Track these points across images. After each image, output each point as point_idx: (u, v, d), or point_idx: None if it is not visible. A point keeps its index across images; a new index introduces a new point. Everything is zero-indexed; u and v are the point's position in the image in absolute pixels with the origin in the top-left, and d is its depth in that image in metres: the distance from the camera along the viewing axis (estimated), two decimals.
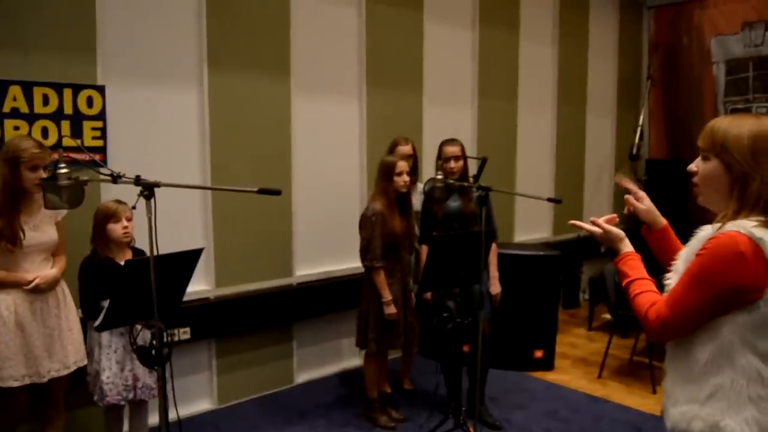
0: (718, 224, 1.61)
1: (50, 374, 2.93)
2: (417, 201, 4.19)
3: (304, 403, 4.30)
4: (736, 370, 1.57)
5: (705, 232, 1.67)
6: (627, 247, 1.87)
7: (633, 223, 2.02)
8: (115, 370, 3.09)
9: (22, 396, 2.96)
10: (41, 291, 2.91)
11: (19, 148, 2.82)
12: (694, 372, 1.64)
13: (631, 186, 1.96)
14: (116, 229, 3.11)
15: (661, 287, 1.75)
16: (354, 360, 4.89)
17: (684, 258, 1.71)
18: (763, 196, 1.56)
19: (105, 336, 3.07)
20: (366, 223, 3.74)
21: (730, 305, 1.55)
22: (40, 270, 2.93)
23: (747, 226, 1.54)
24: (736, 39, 6.55)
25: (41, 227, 2.95)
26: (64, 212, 3.04)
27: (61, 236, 3.06)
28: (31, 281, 2.87)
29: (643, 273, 1.79)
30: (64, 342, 2.98)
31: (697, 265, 1.59)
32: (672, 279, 1.72)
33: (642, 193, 1.95)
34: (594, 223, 1.93)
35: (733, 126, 1.61)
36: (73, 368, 3.02)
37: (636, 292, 1.75)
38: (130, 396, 3.13)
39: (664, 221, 1.94)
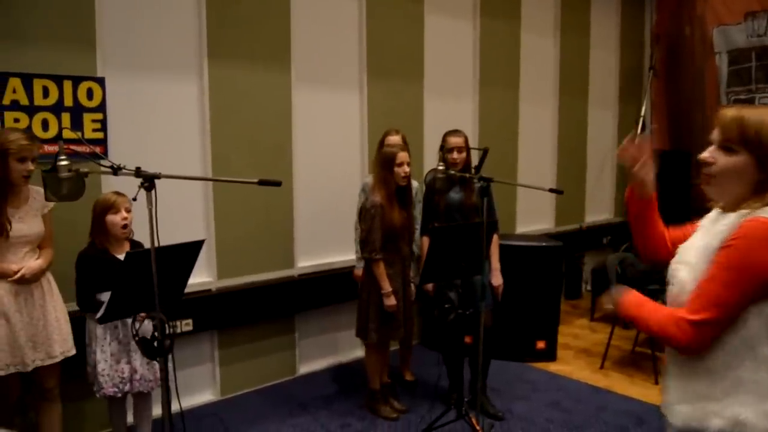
0: (744, 211, 1.54)
1: (35, 363, 2.94)
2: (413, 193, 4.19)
3: (307, 394, 4.31)
4: (758, 362, 1.52)
5: (727, 221, 1.58)
6: (626, 295, 1.78)
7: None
8: (111, 362, 3.10)
9: (13, 385, 2.98)
10: (26, 282, 2.91)
11: (7, 139, 2.81)
12: (708, 366, 1.58)
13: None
14: (116, 220, 3.11)
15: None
16: (356, 351, 4.90)
17: (703, 252, 1.62)
18: None
19: (99, 328, 3.08)
20: (365, 215, 3.73)
21: (765, 293, 1.49)
22: (24, 262, 2.92)
23: None
24: (739, 29, 6.52)
25: (27, 219, 2.95)
26: (51, 205, 3.03)
27: (48, 229, 3.05)
28: (17, 272, 2.87)
29: (646, 302, 1.72)
30: (49, 332, 2.98)
31: (731, 255, 1.51)
32: (682, 272, 1.66)
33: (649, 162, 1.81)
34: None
35: (767, 119, 1.52)
36: (59, 358, 3.02)
37: (650, 320, 1.66)
38: (126, 388, 3.14)
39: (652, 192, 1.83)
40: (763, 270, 1.48)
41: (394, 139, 4.14)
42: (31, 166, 2.87)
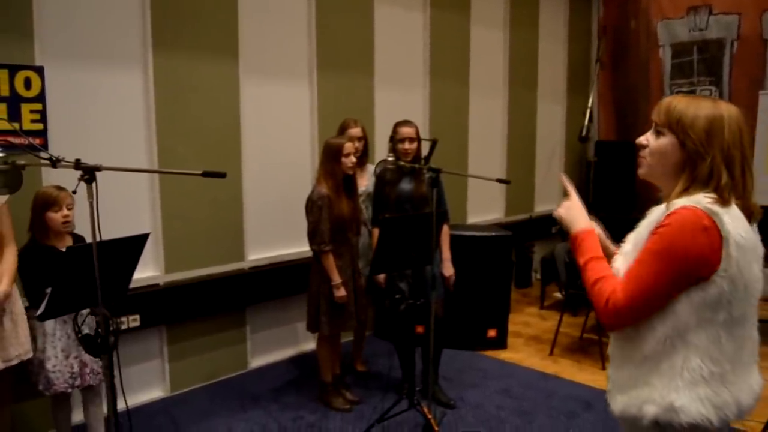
0: (671, 201, 1.61)
1: None
2: (370, 183, 4.19)
3: (258, 388, 4.28)
4: (689, 350, 1.58)
5: (657, 211, 1.65)
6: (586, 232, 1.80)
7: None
8: (61, 357, 3.02)
9: None
10: None
11: None
12: (644, 355, 1.64)
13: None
14: (56, 217, 3.01)
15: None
16: (308, 343, 4.88)
17: (634, 241, 1.70)
18: (714, 176, 1.58)
19: (49, 324, 2.99)
20: (312, 207, 3.71)
21: (691, 280, 1.55)
22: None
23: (702, 201, 1.55)
24: (682, 23, 6.72)
25: None
26: (3, 199, 2.92)
27: (7, 224, 2.92)
28: None
29: (598, 258, 1.74)
30: (6, 334, 2.88)
31: (660, 240, 1.57)
32: (619, 261, 1.71)
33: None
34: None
35: (691, 106, 1.64)
36: (15, 362, 2.92)
37: (592, 280, 1.69)
38: (77, 383, 3.07)
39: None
40: (687, 255, 1.54)
41: (354, 131, 4.13)
42: None
